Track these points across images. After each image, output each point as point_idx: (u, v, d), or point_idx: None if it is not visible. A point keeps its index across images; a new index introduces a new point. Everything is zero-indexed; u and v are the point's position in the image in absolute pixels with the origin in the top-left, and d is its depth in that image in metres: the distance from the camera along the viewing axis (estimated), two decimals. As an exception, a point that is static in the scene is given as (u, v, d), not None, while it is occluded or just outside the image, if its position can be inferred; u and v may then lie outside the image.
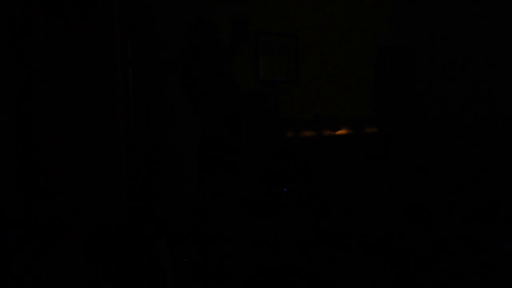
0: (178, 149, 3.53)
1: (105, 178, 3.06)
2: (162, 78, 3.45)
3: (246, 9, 3.76)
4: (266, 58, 3.92)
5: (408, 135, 4.40)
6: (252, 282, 2.65)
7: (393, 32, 4.64)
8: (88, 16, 2.96)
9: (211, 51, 2.84)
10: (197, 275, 2.67)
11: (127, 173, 3.23)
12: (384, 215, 3.67)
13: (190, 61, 2.80)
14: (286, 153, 3.65)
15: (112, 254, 2.80)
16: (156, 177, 3.40)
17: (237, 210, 3.30)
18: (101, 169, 3.04)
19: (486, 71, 4.12)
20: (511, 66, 3.91)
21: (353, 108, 4.40)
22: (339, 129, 3.94)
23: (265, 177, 3.55)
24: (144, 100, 3.36)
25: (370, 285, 2.59)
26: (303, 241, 3.17)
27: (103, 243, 2.88)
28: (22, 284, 1.96)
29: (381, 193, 3.91)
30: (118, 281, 2.53)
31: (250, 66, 3.88)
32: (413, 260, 2.87)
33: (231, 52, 2.95)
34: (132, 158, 3.30)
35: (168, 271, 2.56)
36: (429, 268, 2.77)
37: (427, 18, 4.61)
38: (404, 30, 4.68)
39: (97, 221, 3.00)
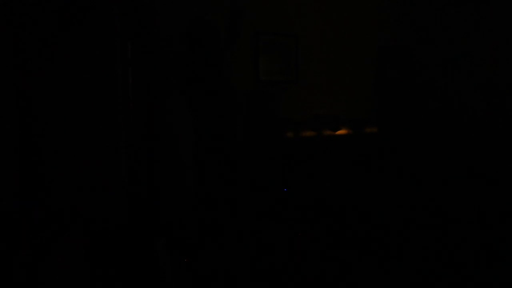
0: (178, 149, 3.52)
1: (105, 178, 3.06)
2: (162, 78, 3.45)
3: (246, 8, 3.75)
4: (266, 58, 3.92)
5: (408, 135, 4.40)
6: (252, 282, 2.65)
7: (393, 32, 4.64)
8: (88, 16, 2.96)
9: (209, 51, 2.85)
10: (197, 275, 2.67)
11: (127, 173, 3.23)
12: (385, 215, 3.66)
13: (189, 60, 2.81)
14: (286, 153, 3.64)
15: (112, 254, 2.80)
16: (156, 177, 3.40)
17: (236, 210, 3.30)
18: (101, 169, 3.04)
19: (486, 70, 4.11)
20: None
21: (353, 108, 4.39)
22: (339, 129, 3.94)
23: (265, 177, 3.55)
24: (144, 100, 3.36)
25: (370, 285, 2.59)
26: (303, 242, 3.16)
27: (103, 243, 2.88)
28: (22, 284, 1.96)
29: (382, 193, 3.91)
30: (118, 281, 2.52)
31: (250, 66, 3.88)
32: (413, 261, 2.87)
33: (227, 45, 2.96)
34: (132, 158, 3.30)
35: (168, 271, 2.56)
36: (429, 268, 2.77)
37: (427, 18, 4.60)
38: (404, 30, 4.68)
39: (97, 221, 3.00)
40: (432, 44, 4.57)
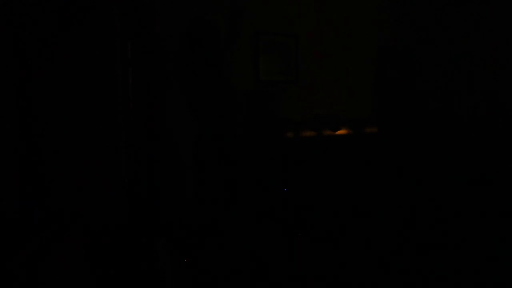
0: (178, 149, 3.53)
1: (105, 178, 3.06)
2: (162, 78, 3.45)
3: (246, 8, 3.75)
4: (266, 58, 3.92)
5: (408, 135, 4.40)
6: (252, 282, 2.65)
7: (393, 32, 4.64)
8: (88, 16, 2.96)
9: (209, 51, 2.85)
10: (197, 275, 2.67)
11: (127, 173, 3.23)
12: (384, 215, 3.66)
13: (189, 60, 2.81)
14: (286, 153, 3.64)
15: (112, 254, 2.80)
16: (156, 177, 3.40)
17: (236, 210, 3.30)
18: (101, 169, 3.04)
19: (486, 70, 4.11)
20: None
21: (353, 108, 4.39)
22: (339, 129, 3.94)
23: (265, 177, 3.55)
24: (144, 100, 3.36)
25: (370, 285, 2.59)
26: (303, 242, 3.17)
27: (103, 243, 2.88)
28: (22, 284, 1.96)
29: (382, 193, 3.91)
30: (118, 281, 2.53)
31: (250, 66, 3.88)
32: (413, 261, 2.87)
33: (227, 45, 2.96)
34: (132, 158, 3.30)
35: (168, 271, 2.56)
36: (429, 268, 2.77)
37: (427, 18, 4.60)
38: (404, 30, 4.68)
39: (97, 221, 3.00)
40: (432, 44, 4.57)
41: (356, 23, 4.45)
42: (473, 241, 3.11)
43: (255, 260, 2.89)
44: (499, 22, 4.00)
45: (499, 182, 3.82)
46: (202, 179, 3.17)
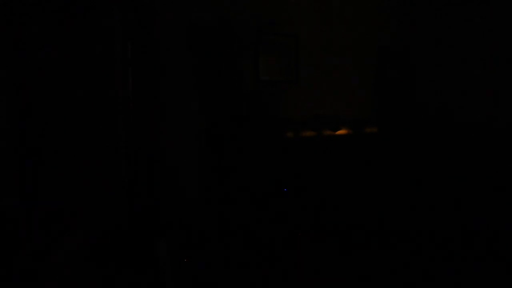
0: (179, 149, 3.53)
1: (105, 178, 3.06)
2: (162, 78, 3.45)
3: (246, 9, 3.75)
4: (266, 58, 3.92)
5: (408, 135, 4.40)
6: (252, 282, 2.65)
7: (393, 32, 4.64)
8: (88, 16, 2.96)
9: (209, 51, 2.85)
10: (197, 275, 2.67)
11: (127, 173, 3.23)
12: (384, 215, 3.67)
13: (189, 60, 2.80)
14: (286, 153, 3.64)
15: (112, 255, 2.80)
16: (156, 178, 3.40)
17: (236, 210, 3.30)
18: (101, 169, 3.04)
19: (486, 70, 4.11)
20: None
21: (353, 108, 4.40)
22: (339, 129, 3.94)
23: (265, 177, 3.55)
24: (144, 100, 3.36)
25: (369, 284, 2.59)
26: (303, 241, 3.17)
27: (103, 243, 2.88)
28: (22, 284, 1.96)
29: (381, 193, 3.91)
30: (118, 281, 2.53)
31: (250, 66, 3.88)
32: (413, 260, 2.88)
33: (228, 46, 2.96)
34: (132, 158, 3.30)
35: (168, 271, 2.56)
36: (429, 268, 2.77)
37: (427, 18, 4.60)
38: (404, 30, 4.68)
39: (98, 222, 3.00)
40: (432, 44, 4.57)
41: (356, 23, 4.45)
42: (472, 240, 3.12)
43: (255, 259, 2.89)
44: (499, 22, 4.00)
45: (499, 181, 3.82)
46: (202, 179, 3.16)
